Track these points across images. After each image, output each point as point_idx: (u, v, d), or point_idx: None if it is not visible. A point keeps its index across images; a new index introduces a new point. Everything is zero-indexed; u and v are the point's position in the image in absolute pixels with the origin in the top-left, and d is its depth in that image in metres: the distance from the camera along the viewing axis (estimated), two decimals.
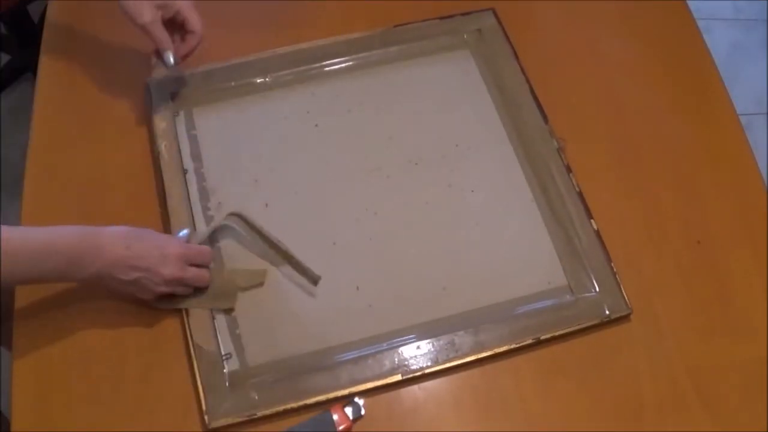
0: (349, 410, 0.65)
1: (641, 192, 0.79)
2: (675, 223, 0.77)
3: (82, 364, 0.68)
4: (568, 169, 0.77)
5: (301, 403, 0.65)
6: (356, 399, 0.66)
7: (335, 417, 0.65)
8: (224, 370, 0.67)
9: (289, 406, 0.65)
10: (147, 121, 0.81)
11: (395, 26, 0.87)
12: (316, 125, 0.81)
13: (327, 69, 0.86)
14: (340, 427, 0.64)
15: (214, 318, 0.70)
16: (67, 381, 0.67)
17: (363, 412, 0.66)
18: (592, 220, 0.74)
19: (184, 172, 0.78)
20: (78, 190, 0.78)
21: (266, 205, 0.76)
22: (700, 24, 0.92)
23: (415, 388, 0.68)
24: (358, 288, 0.72)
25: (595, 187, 0.78)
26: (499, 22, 0.88)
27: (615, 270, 0.72)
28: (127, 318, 0.70)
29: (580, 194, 0.76)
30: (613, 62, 0.89)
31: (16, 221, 0.75)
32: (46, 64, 0.86)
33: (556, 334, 0.69)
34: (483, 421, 0.67)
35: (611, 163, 0.81)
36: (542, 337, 0.68)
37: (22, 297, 0.71)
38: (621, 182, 0.80)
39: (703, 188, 0.79)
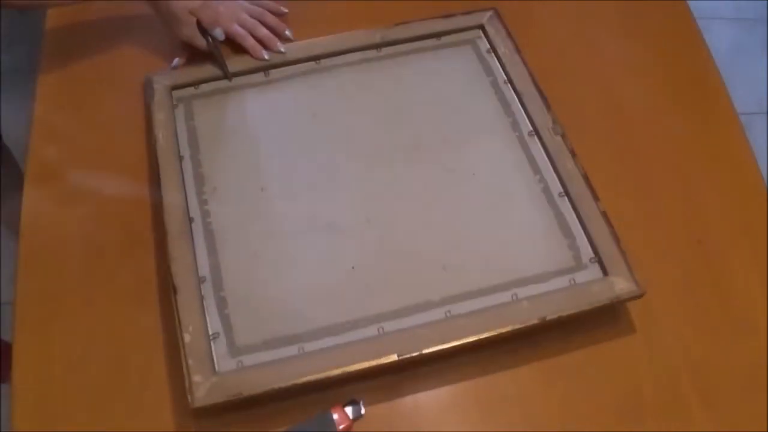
0: (349, 410, 0.65)
1: (641, 191, 0.79)
2: (675, 223, 0.77)
3: (82, 366, 0.68)
4: (573, 153, 0.77)
5: (289, 383, 0.64)
6: (356, 398, 0.66)
7: (335, 416, 0.65)
8: (211, 350, 0.66)
9: (276, 386, 0.63)
10: (146, 114, 0.81)
11: (397, 24, 0.88)
12: (315, 114, 0.81)
13: (328, 66, 0.86)
14: (341, 427, 0.64)
15: (203, 297, 0.69)
16: (67, 382, 0.67)
17: (363, 411, 0.66)
18: (598, 202, 0.73)
19: (180, 158, 0.78)
20: (81, 196, 0.78)
21: (262, 189, 0.76)
22: (700, 24, 0.92)
23: (415, 388, 0.68)
24: (353, 268, 0.71)
25: (594, 186, 0.78)
26: (501, 20, 0.88)
27: (624, 250, 0.70)
28: (130, 318, 0.70)
29: (586, 176, 0.75)
30: (613, 62, 0.89)
31: (17, 214, 0.75)
32: (47, 57, 0.86)
33: (563, 315, 0.67)
34: (483, 421, 0.67)
35: (611, 162, 0.81)
36: (548, 318, 0.66)
37: (23, 292, 0.71)
38: (621, 182, 0.80)
39: (703, 188, 0.80)
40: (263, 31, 0.85)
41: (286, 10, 0.90)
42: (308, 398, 0.65)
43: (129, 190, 0.78)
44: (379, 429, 0.66)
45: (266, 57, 0.84)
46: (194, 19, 0.79)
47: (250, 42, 0.84)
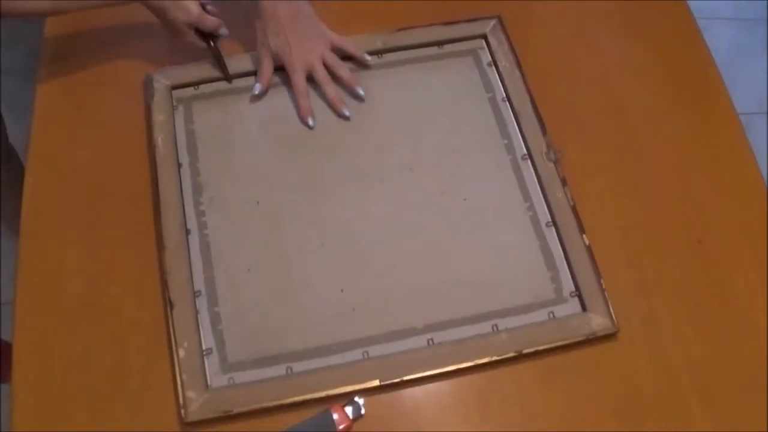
0: (349, 410, 0.65)
1: (641, 191, 0.79)
2: (675, 223, 0.77)
3: (82, 366, 0.68)
4: (564, 182, 0.77)
5: (277, 402, 0.65)
6: (356, 398, 0.66)
7: (335, 416, 0.65)
8: (204, 366, 0.67)
9: (265, 405, 0.65)
10: (146, 114, 0.81)
11: (398, 30, 0.87)
12: (313, 126, 0.81)
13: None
14: (340, 427, 0.64)
15: (197, 312, 0.70)
16: (67, 382, 0.67)
17: (363, 411, 0.66)
18: (584, 235, 0.74)
19: (179, 165, 0.78)
20: (78, 183, 0.78)
21: (257, 202, 0.76)
22: (700, 24, 0.92)
23: (415, 389, 0.68)
24: (342, 290, 0.72)
25: (594, 186, 0.78)
26: (504, 30, 0.87)
27: (604, 287, 0.71)
28: (129, 318, 0.70)
29: (574, 208, 0.75)
30: (613, 62, 0.89)
31: (16, 214, 0.75)
32: (47, 58, 0.86)
33: (540, 348, 0.68)
34: (484, 420, 0.67)
35: (611, 162, 0.81)
36: (524, 351, 0.68)
37: (23, 292, 0.71)
38: (621, 182, 0.80)
39: (703, 188, 0.80)
40: (332, 92, 0.82)
41: (370, 59, 0.85)
42: (296, 413, 0.66)
43: (129, 189, 0.78)
44: (379, 429, 0.66)
45: (347, 114, 0.81)
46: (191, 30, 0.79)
47: (332, 93, 0.82)
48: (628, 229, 0.77)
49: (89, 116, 0.82)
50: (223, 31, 0.81)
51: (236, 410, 0.65)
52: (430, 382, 0.68)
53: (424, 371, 0.67)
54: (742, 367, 0.70)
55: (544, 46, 0.90)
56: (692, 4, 0.94)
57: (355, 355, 0.69)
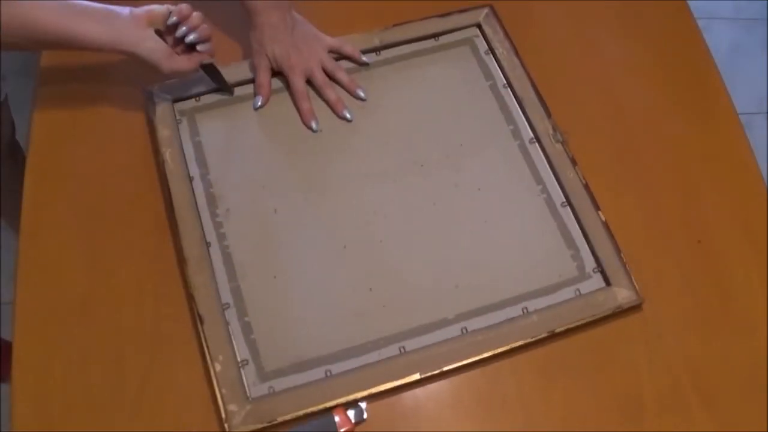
0: (351, 413, 0.65)
1: (641, 192, 0.79)
2: (675, 223, 0.77)
3: (82, 366, 0.68)
4: (573, 162, 0.77)
5: (321, 406, 0.65)
6: (360, 402, 0.65)
7: (337, 419, 0.64)
8: (242, 377, 0.67)
9: (309, 410, 0.64)
10: (149, 128, 0.80)
11: (394, 25, 0.87)
12: (317, 129, 0.81)
13: None
14: (342, 430, 0.64)
15: (228, 324, 0.69)
16: (67, 382, 0.67)
17: (365, 415, 0.65)
18: (599, 212, 0.74)
19: (190, 179, 0.77)
20: (78, 183, 0.78)
21: (275, 210, 0.76)
22: (700, 24, 0.92)
23: (417, 392, 0.68)
24: (371, 289, 0.72)
25: (595, 187, 0.78)
26: (498, 18, 0.88)
27: (625, 260, 0.72)
28: (129, 319, 0.70)
29: (587, 186, 0.76)
30: (613, 62, 0.89)
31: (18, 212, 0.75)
32: (46, 69, 0.86)
33: (571, 326, 0.69)
34: (484, 423, 0.67)
35: (611, 163, 0.81)
36: (557, 330, 0.68)
37: (23, 292, 0.71)
38: (621, 182, 0.80)
39: (703, 188, 0.80)
40: (332, 95, 0.82)
41: (368, 61, 0.85)
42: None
43: (129, 188, 0.77)
44: (379, 429, 0.66)
45: (348, 117, 0.81)
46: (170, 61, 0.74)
47: (333, 96, 0.82)
48: (628, 229, 0.76)
49: (89, 116, 0.82)
50: (206, 59, 0.77)
51: (281, 418, 0.64)
52: (468, 371, 0.68)
53: (461, 360, 0.67)
54: (742, 367, 0.70)
55: (543, 46, 0.90)
56: (692, 4, 0.94)
57: (392, 350, 0.69)
